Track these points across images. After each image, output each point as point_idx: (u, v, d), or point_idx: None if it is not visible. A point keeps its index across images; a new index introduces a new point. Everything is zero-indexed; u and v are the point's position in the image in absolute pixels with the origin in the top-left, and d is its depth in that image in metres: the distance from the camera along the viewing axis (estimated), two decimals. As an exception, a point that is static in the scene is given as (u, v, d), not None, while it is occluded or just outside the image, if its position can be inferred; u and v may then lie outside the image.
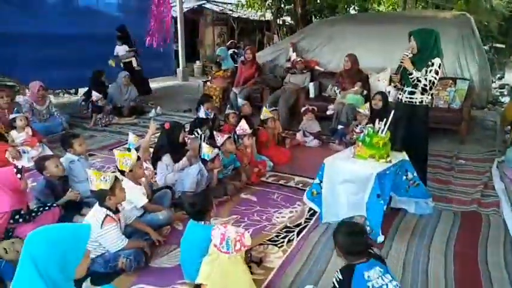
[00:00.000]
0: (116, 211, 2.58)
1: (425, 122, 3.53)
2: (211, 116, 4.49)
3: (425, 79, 3.34)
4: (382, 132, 3.01)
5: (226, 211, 3.42)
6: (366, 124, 4.75)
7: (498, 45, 12.91)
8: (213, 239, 2.06)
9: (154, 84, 10.28)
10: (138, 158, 3.07)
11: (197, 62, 13.07)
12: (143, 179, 3.19)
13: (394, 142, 3.58)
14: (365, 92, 5.77)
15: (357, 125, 4.84)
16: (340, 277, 1.91)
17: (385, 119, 3.06)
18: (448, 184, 4.09)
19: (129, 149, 3.37)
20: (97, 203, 2.53)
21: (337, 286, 1.91)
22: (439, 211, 3.46)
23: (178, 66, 11.26)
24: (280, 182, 4.08)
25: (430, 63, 3.36)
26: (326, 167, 3.05)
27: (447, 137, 5.55)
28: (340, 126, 5.49)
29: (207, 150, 3.50)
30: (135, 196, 2.91)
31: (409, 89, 3.49)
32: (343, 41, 6.78)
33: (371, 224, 2.93)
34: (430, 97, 3.47)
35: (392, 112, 3.12)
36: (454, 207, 3.56)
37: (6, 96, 4.49)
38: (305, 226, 3.18)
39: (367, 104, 4.96)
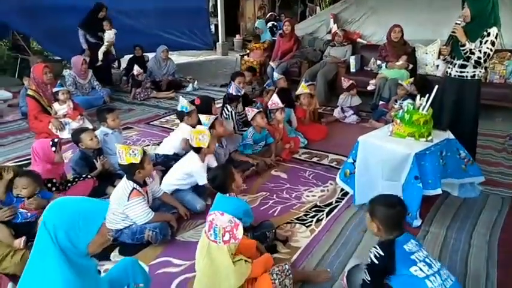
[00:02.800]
0: (144, 184, 2.60)
1: (476, 99, 3.22)
2: (242, 93, 4.38)
3: (480, 51, 3.00)
4: (423, 109, 2.76)
5: (255, 187, 3.36)
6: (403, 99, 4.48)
7: None
8: (207, 224, 1.93)
9: (192, 58, 10.34)
10: None
11: (237, 35, 12.88)
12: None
13: (440, 120, 3.33)
14: (410, 67, 5.39)
15: (396, 100, 4.54)
16: (381, 253, 1.79)
17: (427, 95, 2.80)
18: (499, 166, 3.76)
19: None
20: (125, 175, 2.55)
21: (377, 262, 1.79)
22: (485, 195, 3.19)
23: (218, 40, 11.18)
24: (313, 160, 3.94)
25: (485, 33, 3.02)
26: (360, 146, 2.87)
27: (501, 115, 5.09)
28: (381, 102, 5.20)
29: (204, 119, 3.42)
30: (199, 173, 2.96)
31: (460, 62, 3.17)
32: (388, 11, 6.32)
33: (407, 207, 2.73)
34: (483, 71, 3.14)
35: (436, 87, 2.84)
36: (504, 192, 3.26)
37: (49, 72, 4.62)
38: (336, 206, 3.05)
39: (411, 79, 4.63)
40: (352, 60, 6.02)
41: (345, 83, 5.05)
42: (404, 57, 5.33)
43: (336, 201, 3.12)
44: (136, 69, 6.34)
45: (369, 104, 5.45)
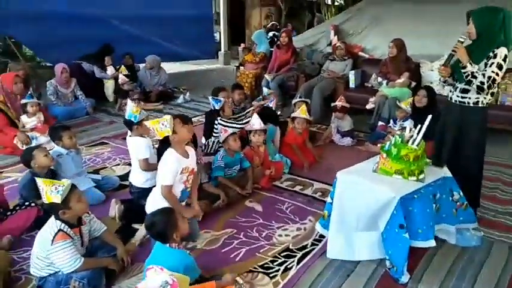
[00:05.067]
0: (78, 223, 2.21)
1: (481, 129, 2.75)
2: (219, 105, 3.97)
3: (484, 75, 2.55)
4: (413, 143, 2.32)
5: (222, 222, 2.94)
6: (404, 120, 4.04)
7: None
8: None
9: (193, 67, 10.02)
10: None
11: (242, 44, 12.56)
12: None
13: (439, 152, 2.88)
14: (413, 84, 4.93)
15: (395, 121, 4.10)
16: None
17: (419, 126, 2.36)
18: (507, 205, 3.27)
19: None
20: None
21: None
22: (489, 243, 2.71)
23: (221, 49, 10.87)
24: (295, 189, 3.51)
25: (491, 54, 2.57)
26: (338, 184, 2.43)
27: (514, 142, 4.59)
28: (380, 123, 4.74)
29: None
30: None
31: (462, 85, 2.72)
32: (393, 23, 5.87)
33: (391, 260, 2.29)
34: (489, 97, 2.68)
35: (430, 117, 2.39)
36: (511, 237, 2.78)
37: (20, 82, 4.32)
38: (311, 250, 2.61)
39: (411, 99, 4.18)
40: (352, 76, 5.58)
41: (339, 102, 4.61)
42: (407, 74, 4.88)
43: (312, 244, 2.68)
44: (121, 77, 6.04)
45: (368, 123, 5.02)
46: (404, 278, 2.29)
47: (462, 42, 2.62)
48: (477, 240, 2.63)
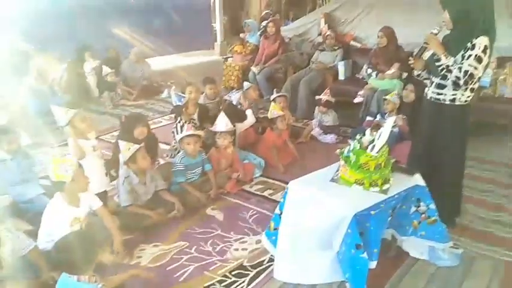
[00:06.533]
0: None
1: (458, 129, 2.42)
2: (183, 103, 3.71)
3: (460, 69, 2.22)
4: (372, 149, 2.01)
5: (175, 234, 2.68)
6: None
7: None
8: None
9: (186, 59, 9.72)
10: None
11: (241, 34, 12.19)
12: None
13: (414, 157, 2.57)
14: (404, 75, 4.56)
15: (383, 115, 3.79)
16: None
17: (381, 129, 2.05)
18: (500, 211, 2.95)
19: None
20: None
21: None
22: (470, 258, 2.40)
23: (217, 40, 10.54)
24: (264, 193, 3.23)
25: (469, 45, 2.23)
26: (289, 194, 2.14)
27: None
28: (368, 118, 4.41)
29: (124, 147, 2.70)
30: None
31: (438, 80, 2.39)
32: (388, 10, 5.47)
33: (351, 283, 2.01)
34: (468, 93, 2.34)
35: (390, 119, 2.08)
36: (498, 252, 2.47)
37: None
38: (265, 268, 2.34)
39: (395, 91, 3.86)
40: (341, 67, 5.23)
41: (324, 96, 4.29)
42: (397, 64, 4.51)
43: (270, 260, 2.40)
44: (104, 69, 5.81)
45: (358, 119, 4.68)
46: (365, 303, 2.01)
47: (436, 34, 2.29)
48: (453, 259, 2.32)
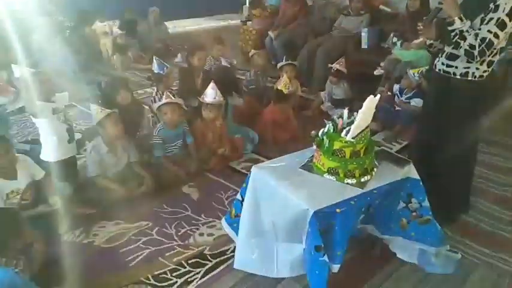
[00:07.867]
0: None
1: (469, 110, 1.96)
2: (165, 71, 3.40)
3: (476, 35, 1.73)
4: (347, 133, 1.62)
5: (141, 212, 2.46)
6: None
7: None
8: None
9: (211, 22, 9.32)
10: None
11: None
12: None
13: (418, 141, 2.15)
14: (434, 46, 3.96)
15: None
16: None
17: (360, 110, 1.65)
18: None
19: None
20: None
21: None
22: (469, 265, 2.01)
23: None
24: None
25: (492, 5, 1.73)
26: (251, 180, 1.82)
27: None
28: (380, 88, 3.93)
29: (95, 111, 2.53)
30: None
31: (449, 49, 1.92)
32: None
33: (310, 286, 1.70)
34: (484, 67, 1.86)
35: (375, 99, 1.67)
36: (507, 261, 2.04)
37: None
38: (227, 259, 2.08)
39: (422, 68, 3.32)
40: (364, 34, 4.67)
41: (336, 65, 3.83)
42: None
43: (233, 250, 2.13)
44: (114, 31, 5.61)
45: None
46: (328, 313, 1.70)
47: None
48: (446, 266, 1.92)
